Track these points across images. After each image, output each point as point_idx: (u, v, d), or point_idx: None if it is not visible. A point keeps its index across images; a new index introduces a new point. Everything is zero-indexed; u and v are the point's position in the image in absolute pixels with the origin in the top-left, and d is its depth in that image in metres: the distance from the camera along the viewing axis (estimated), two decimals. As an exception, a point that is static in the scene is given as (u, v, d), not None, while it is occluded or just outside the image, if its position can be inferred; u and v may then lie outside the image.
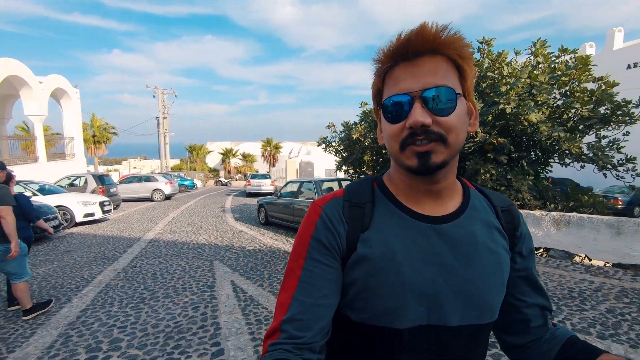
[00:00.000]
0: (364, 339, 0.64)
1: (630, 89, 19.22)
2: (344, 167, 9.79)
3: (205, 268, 5.46)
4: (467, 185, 0.72)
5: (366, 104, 9.07)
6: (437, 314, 0.61)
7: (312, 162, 21.32)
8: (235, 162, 42.43)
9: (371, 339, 0.63)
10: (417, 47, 0.57)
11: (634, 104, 6.11)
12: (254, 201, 16.21)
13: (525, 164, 6.61)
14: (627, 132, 6.15)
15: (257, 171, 37.07)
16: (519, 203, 6.34)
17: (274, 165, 38.97)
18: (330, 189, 8.53)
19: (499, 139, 6.15)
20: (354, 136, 7.89)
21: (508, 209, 0.72)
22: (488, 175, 6.16)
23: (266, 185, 20.69)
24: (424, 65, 0.58)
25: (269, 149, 40.46)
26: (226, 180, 34.91)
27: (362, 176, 8.92)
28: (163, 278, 4.95)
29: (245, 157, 41.95)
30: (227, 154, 41.62)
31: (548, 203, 6.57)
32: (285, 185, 9.58)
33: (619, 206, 12.73)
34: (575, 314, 3.55)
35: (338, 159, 10.00)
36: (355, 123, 8.77)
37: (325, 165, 23.25)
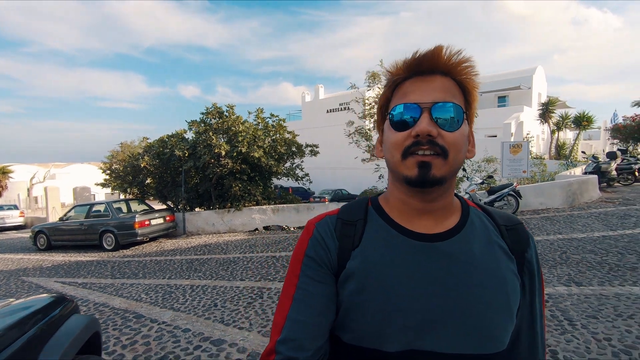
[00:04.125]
0: None
1: (329, 126, 29.29)
2: (129, 189, 11.66)
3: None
4: (466, 203, 0.70)
5: (148, 139, 11.44)
6: (429, 338, 0.57)
7: (88, 187, 20.24)
8: None
9: None
10: (431, 65, 0.60)
11: (312, 145, 11.77)
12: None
13: (258, 180, 11.15)
14: (302, 161, 11.76)
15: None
16: (254, 203, 10.76)
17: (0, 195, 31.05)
18: (119, 208, 10.31)
19: (242, 165, 10.33)
20: (142, 164, 10.16)
21: (514, 227, 0.67)
22: (237, 187, 10.20)
23: (13, 218, 17.89)
24: (435, 82, 0.60)
25: (-5, 174, 31.79)
26: None
27: (138, 196, 11.22)
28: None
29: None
30: None
31: (272, 201, 11.37)
32: (71, 210, 10.42)
33: (326, 202, 20.41)
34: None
35: (108, 180, 11.81)
36: (140, 155, 10.98)
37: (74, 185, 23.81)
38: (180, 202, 10.84)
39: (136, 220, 9.16)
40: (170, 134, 11.17)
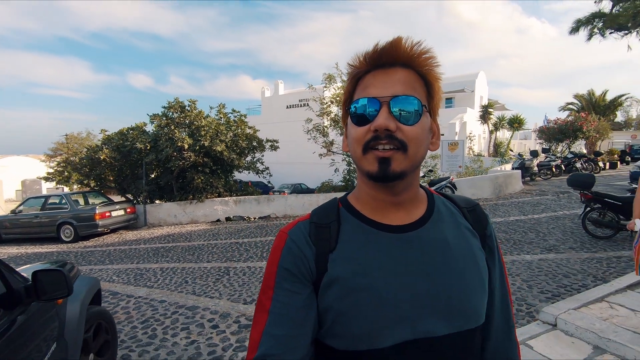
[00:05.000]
0: None
1: (288, 122, 29.76)
2: (86, 182, 11.53)
3: None
4: (430, 192, 0.72)
5: (106, 131, 11.38)
6: (421, 326, 0.58)
7: (39, 180, 19.09)
8: None
9: None
10: (391, 57, 0.59)
11: (272, 140, 12.33)
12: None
13: (219, 173, 11.55)
14: (262, 155, 12.33)
15: None
16: (216, 194, 11.18)
17: None
18: (77, 201, 10.24)
19: (204, 159, 10.70)
20: (101, 157, 10.16)
21: (474, 208, 0.72)
22: (199, 180, 10.56)
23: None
24: (395, 75, 0.60)
25: None
26: None
27: (96, 188, 11.22)
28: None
29: None
30: None
31: (233, 193, 11.84)
32: (24, 202, 10.17)
33: (285, 195, 21.03)
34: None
35: (53, 173, 11.67)
36: (98, 147, 10.90)
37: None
38: (141, 194, 10.97)
39: (97, 211, 9.25)
40: (130, 126, 11.22)
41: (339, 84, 11.45)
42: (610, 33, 8.70)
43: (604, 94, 27.42)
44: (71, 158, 11.35)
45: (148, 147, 10.30)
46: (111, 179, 11.72)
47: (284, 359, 0.55)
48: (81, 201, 10.35)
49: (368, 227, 0.64)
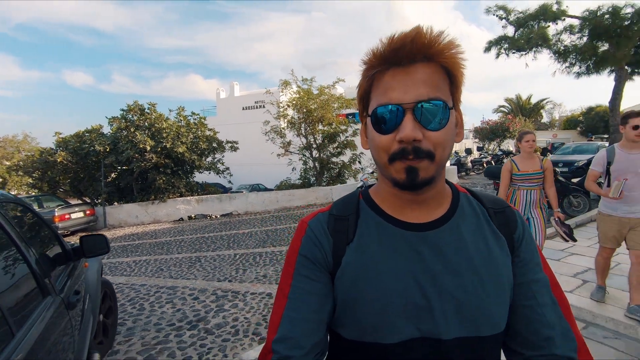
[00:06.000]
0: (355, 358, 0.62)
1: (245, 123, 29.93)
2: (39, 185, 11.30)
3: None
4: (457, 189, 0.70)
5: (60, 134, 11.22)
6: (428, 326, 0.58)
7: None
8: None
9: (362, 357, 0.61)
10: (411, 53, 0.55)
11: (232, 141, 12.86)
12: None
13: (181, 173, 11.91)
14: (223, 155, 12.85)
15: None
16: (178, 194, 11.55)
17: None
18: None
19: (166, 160, 11.03)
20: (58, 159, 10.11)
21: (502, 210, 0.68)
22: (161, 180, 10.88)
23: None
24: (417, 73, 0.55)
25: None
26: None
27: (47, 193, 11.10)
28: None
29: None
30: None
31: (195, 193, 12.25)
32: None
33: (244, 193, 21.48)
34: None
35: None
36: (53, 150, 10.78)
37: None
38: (99, 196, 11.01)
39: (56, 214, 9.26)
40: (86, 129, 11.20)
41: (295, 88, 12.32)
42: (513, 53, 10.54)
43: (529, 98, 31.11)
44: (20, 162, 11.08)
45: (107, 149, 10.42)
46: (65, 182, 11.58)
47: (302, 342, 0.57)
48: (35, 206, 10.20)
49: (386, 222, 0.64)
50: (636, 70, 8.75)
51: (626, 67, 8.67)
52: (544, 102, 31.42)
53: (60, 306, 1.68)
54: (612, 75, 8.67)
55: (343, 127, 12.37)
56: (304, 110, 11.70)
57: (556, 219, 3.30)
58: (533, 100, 31.17)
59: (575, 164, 9.36)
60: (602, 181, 2.98)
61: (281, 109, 12.28)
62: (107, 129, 11.58)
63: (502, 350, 0.65)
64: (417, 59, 0.55)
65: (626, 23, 7.55)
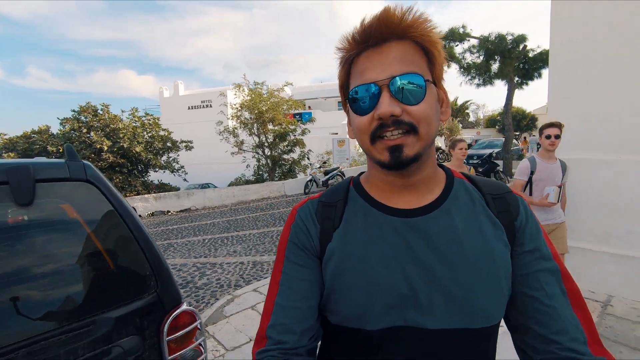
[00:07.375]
0: (339, 342, 0.63)
1: (192, 122, 29.87)
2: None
3: None
4: (452, 174, 0.67)
5: (5, 135, 10.99)
6: (413, 315, 0.56)
7: None
8: None
9: (345, 341, 0.62)
10: (381, 32, 0.55)
11: (187, 141, 13.39)
12: None
13: (137, 172, 12.28)
14: (178, 155, 13.39)
15: None
16: (135, 193, 11.95)
17: None
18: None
19: (122, 159, 11.38)
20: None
21: (502, 196, 0.64)
22: (118, 180, 11.23)
23: None
24: (390, 52, 0.55)
25: None
26: None
27: None
28: None
29: None
30: None
31: (151, 191, 12.67)
32: None
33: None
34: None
35: None
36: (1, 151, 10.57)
37: None
38: (51, 197, 11.01)
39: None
40: (33, 129, 11.11)
41: (247, 90, 13.29)
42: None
43: (456, 99, 34.96)
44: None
45: (61, 150, 10.52)
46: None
47: (294, 327, 0.59)
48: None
49: (372, 208, 0.62)
50: (524, 81, 11.18)
51: (517, 79, 11.07)
52: (468, 103, 35.62)
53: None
54: (506, 85, 11.08)
55: (292, 127, 13.63)
56: (256, 111, 12.70)
57: None
58: (459, 102, 35.19)
59: (484, 156, 11.89)
60: (522, 191, 2.96)
61: (234, 110, 13.17)
62: (54, 130, 11.56)
63: (514, 348, 0.62)
64: (389, 37, 0.55)
65: (509, 47, 9.96)
